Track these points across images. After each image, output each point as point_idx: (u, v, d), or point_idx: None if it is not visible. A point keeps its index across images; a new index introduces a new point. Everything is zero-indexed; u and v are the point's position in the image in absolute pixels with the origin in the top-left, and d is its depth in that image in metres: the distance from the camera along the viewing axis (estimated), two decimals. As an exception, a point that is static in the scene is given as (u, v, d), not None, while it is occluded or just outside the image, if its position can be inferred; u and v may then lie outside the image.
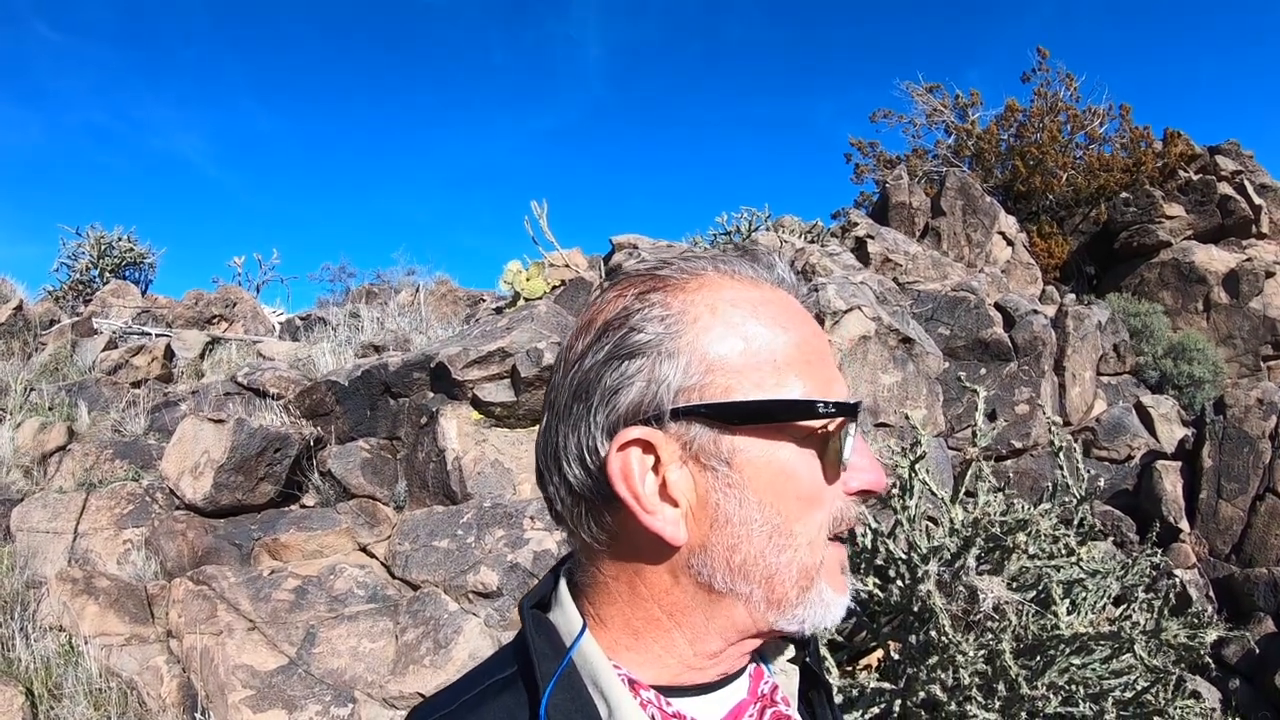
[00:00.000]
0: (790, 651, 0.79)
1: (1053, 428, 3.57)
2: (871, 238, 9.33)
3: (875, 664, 3.49)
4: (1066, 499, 3.50)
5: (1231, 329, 11.06)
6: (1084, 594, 3.40)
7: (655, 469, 0.65)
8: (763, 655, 0.77)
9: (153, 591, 5.19)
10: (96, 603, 5.03)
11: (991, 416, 7.33)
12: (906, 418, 3.55)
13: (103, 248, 13.57)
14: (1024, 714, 2.89)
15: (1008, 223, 11.74)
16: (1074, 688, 3.03)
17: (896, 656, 3.29)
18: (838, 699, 3.01)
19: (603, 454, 0.65)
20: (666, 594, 0.67)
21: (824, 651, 3.01)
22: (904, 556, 3.16)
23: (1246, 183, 12.47)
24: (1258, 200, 12.23)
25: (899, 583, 3.20)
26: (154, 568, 5.46)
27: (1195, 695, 4.79)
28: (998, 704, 2.91)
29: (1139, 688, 3.14)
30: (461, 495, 5.51)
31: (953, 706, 2.94)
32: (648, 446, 0.64)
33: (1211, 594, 6.22)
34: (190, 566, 5.34)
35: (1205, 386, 9.72)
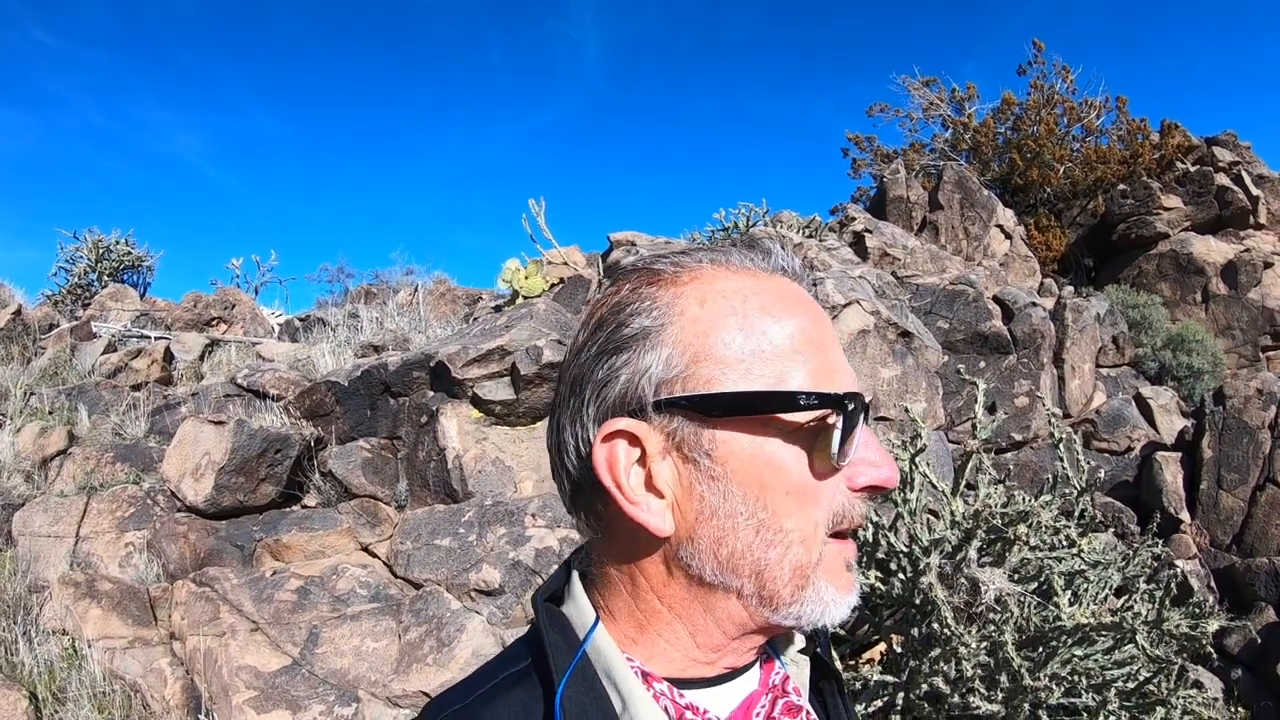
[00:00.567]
0: (801, 642, 0.79)
1: (1052, 420, 3.57)
2: (869, 232, 9.33)
3: (878, 657, 3.49)
4: (1067, 491, 3.51)
5: (1230, 320, 11.06)
6: (1085, 585, 3.41)
7: (642, 461, 0.65)
8: (774, 646, 0.77)
9: (155, 594, 5.19)
10: (99, 606, 5.03)
11: (991, 409, 7.34)
12: (906, 411, 3.55)
13: (101, 251, 13.54)
14: (1027, 705, 2.89)
15: (1005, 216, 11.74)
16: (1077, 678, 3.03)
17: (899, 649, 3.29)
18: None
19: (593, 445, 0.66)
20: (664, 586, 0.67)
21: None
22: (905, 549, 3.16)
23: (1244, 173, 12.47)
24: (1255, 191, 12.24)
25: (900, 575, 3.20)
26: (156, 570, 5.46)
27: (1198, 685, 4.80)
28: (1000, 695, 2.92)
29: (1141, 678, 3.15)
30: (463, 494, 5.51)
31: (955, 698, 2.95)
32: (634, 439, 0.65)
33: (1213, 584, 6.23)
34: (192, 568, 5.34)
35: (1204, 377, 9.73)
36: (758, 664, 0.74)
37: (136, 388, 8.32)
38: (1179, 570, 5.61)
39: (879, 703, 3.09)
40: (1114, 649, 3.16)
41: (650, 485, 0.65)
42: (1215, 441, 6.65)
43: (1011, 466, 7.17)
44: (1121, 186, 12.80)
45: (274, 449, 5.88)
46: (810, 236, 8.96)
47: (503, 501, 5.24)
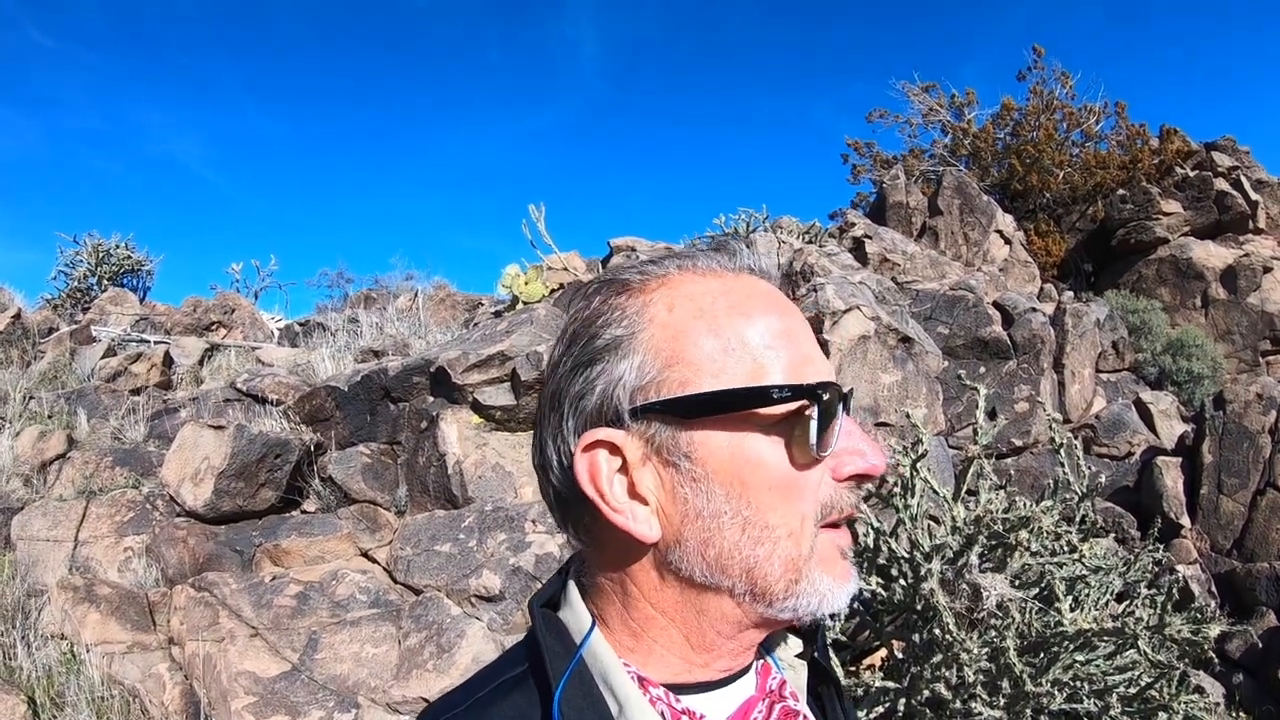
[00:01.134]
0: (798, 646, 0.79)
1: (1053, 425, 3.57)
2: (869, 238, 9.33)
3: (879, 663, 3.48)
4: (1068, 496, 3.50)
5: (1230, 324, 11.07)
6: (1087, 590, 3.40)
7: (624, 469, 0.66)
8: (770, 651, 0.77)
9: (154, 599, 5.18)
10: (98, 610, 5.02)
11: (992, 415, 7.33)
12: (907, 416, 3.55)
13: (100, 255, 13.55)
14: (1029, 711, 2.88)
15: (1005, 221, 11.76)
16: (1078, 684, 3.03)
17: (900, 655, 3.28)
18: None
19: (574, 458, 0.66)
20: (656, 592, 0.68)
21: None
22: (906, 555, 3.16)
23: (1243, 178, 12.49)
24: (1254, 196, 12.26)
25: (902, 581, 3.19)
26: (155, 575, 5.45)
27: (1199, 690, 4.79)
28: (1002, 701, 2.91)
29: (1143, 683, 3.14)
30: (463, 499, 5.50)
31: (957, 704, 2.94)
32: (614, 448, 0.65)
33: (1214, 589, 6.22)
34: (191, 573, 5.33)
35: (1204, 382, 9.73)
36: (754, 669, 0.73)
37: (136, 392, 8.31)
38: (1180, 575, 5.61)
39: (880, 709, 3.09)
40: (1116, 654, 3.15)
41: (633, 493, 0.66)
42: (1215, 446, 6.64)
43: (1012, 472, 7.16)
44: (1121, 191, 12.82)
45: (274, 454, 5.87)
46: (810, 242, 8.97)
47: (503, 507, 5.23)
